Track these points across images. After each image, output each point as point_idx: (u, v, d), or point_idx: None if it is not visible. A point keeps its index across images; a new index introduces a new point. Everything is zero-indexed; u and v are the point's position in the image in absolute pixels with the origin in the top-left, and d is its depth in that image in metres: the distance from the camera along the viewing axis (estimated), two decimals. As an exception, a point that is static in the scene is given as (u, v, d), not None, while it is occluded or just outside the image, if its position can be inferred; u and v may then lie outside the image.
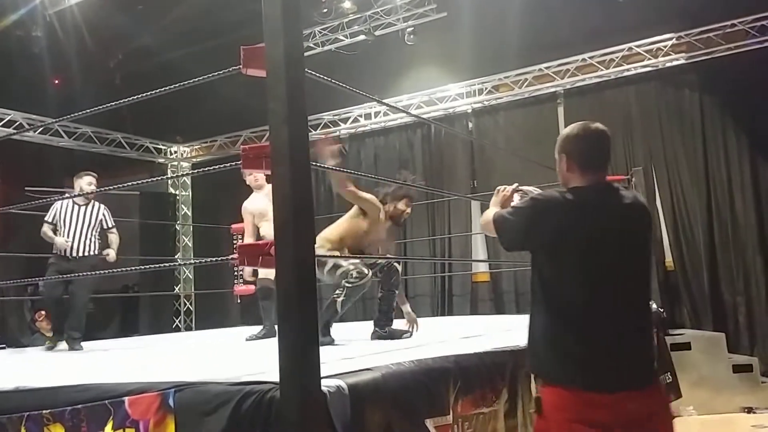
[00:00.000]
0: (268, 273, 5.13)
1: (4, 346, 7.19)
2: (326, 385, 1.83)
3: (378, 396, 2.01)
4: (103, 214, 5.55)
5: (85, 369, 3.18)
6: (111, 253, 5.59)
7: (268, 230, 5.15)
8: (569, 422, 1.88)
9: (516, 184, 2.45)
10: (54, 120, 7.49)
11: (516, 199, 2.38)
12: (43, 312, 7.82)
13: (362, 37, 8.09)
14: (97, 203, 5.58)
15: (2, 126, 8.04)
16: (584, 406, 1.87)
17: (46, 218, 5.44)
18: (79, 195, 5.25)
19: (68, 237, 5.29)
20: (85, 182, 5.41)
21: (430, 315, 7.63)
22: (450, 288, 7.97)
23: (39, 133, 8.44)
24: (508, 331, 3.75)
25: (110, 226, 5.60)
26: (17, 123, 8.20)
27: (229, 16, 7.99)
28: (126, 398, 2.09)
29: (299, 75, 1.91)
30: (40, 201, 4.97)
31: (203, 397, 1.96)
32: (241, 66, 2.25)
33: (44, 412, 2.28)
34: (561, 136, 2.13)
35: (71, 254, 5.32)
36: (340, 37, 8.18)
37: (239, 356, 3.57)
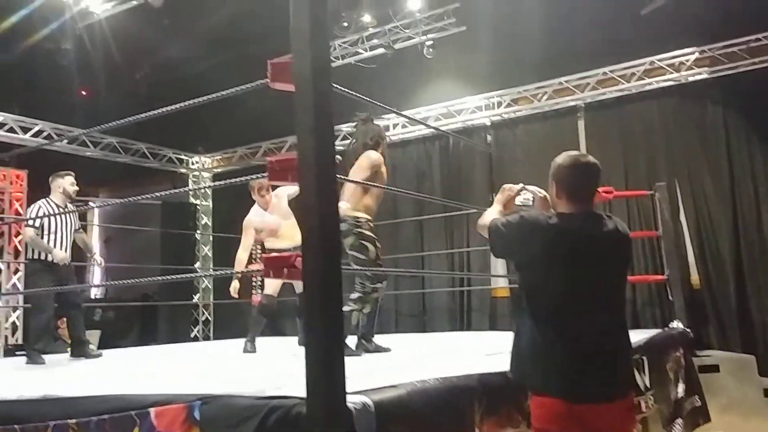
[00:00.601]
0: (271, 289, 5.20)
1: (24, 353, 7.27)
2: (352, 401, 1.82)
3: (403, 414, 2.00)
4: (75, 215, 5.31)
5: (110, 379, 3.20)
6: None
7: (275, 245, 5.23)
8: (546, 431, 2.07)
9: (521, 185, 2.55)
10: (84, 131, 7.59)
11: (519, 200, 2.51)
12: (65, 319, 7.94)
13: (381, 50, 8.13)
14: (71, 205, 5.34)
15: (31, 136, 8.17)
16: (559, 415, 2.04)
17: (29, 222, 5.09)
18: (106, 204, 5.26)
19: (57, 243, 4.98)
20: (68, 182, 5.17)
21: (448, 330, 7.59)
22: (469, 302, 7.91)
23: (66, 142, 8.56)
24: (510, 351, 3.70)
25: (78, 226, 5.34)
26: (45, 133, 8.33)
27: (252, 30, 8.08)
28: (152, 409, 2.10)
29: (326, 88, 1.92)
30: (70, 210, 5.07)
31: (229, 410, 1.96)
32: (268, 80, 2.26)
33: (70, 421, 2.29)
34: (554, 163, 2.28)
35: (62, 261, 5.00)
36: (359, 50, 8.23)
37: (261, 368, 3.58)
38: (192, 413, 2.02)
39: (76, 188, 5.19)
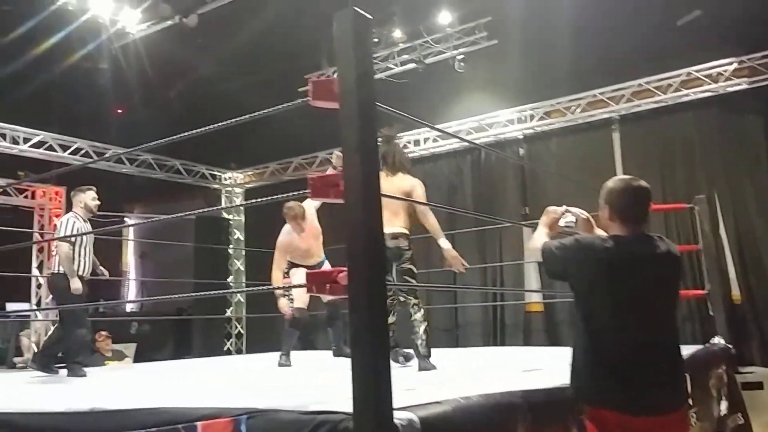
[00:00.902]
0: (301, 302, 5.20)
1: (65, 365, 7.41)
2: (398, 417, 1.82)
3: (449, 430, 1.98)
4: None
5: (155, 392, 3.24)
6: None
7: (303, 262, 5.25)
8: None
9: (564, 207, 2.63)
10: (125, 150, 7.74)
11: (563, 222, 2.60)
12: (103, 332, 8.08)
13: (412, 65, 8.17)
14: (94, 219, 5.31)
15: (69, 153, 8.36)
16: (618, 428, 2.13)
17: (65, 236, 4.98)
18: (142, 222, 5.32)
19: (85, 257, 4.98)
20: (90, 197, 5.15)
21: (481, 345, 7.53)
22: (502, 317, 7.84)
23: (105, 160, 8.74)
24: (568, 366, 3.66)
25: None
26: (83, 151, 8.52)
27: (283, 49, 8.21)
28: (199, 423, 2.12)
29: (371, 104, 1.94)
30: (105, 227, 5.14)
31: (275, 424, 1.97)
32: (309, 98, 2.28)
33: (117, 435, 2.33)
34: (606, 187, 2.38)
35: (84, 275, 5.00)
36: (390, 66, 8.28)
37: (300, 381, 3.59)
38: (238, 427, 2.03)
39: (98, 203, 5.19)
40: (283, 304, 5.21)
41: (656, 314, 2.27)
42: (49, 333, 5.52)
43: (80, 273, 4.94)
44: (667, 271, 2.33)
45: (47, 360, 4.95)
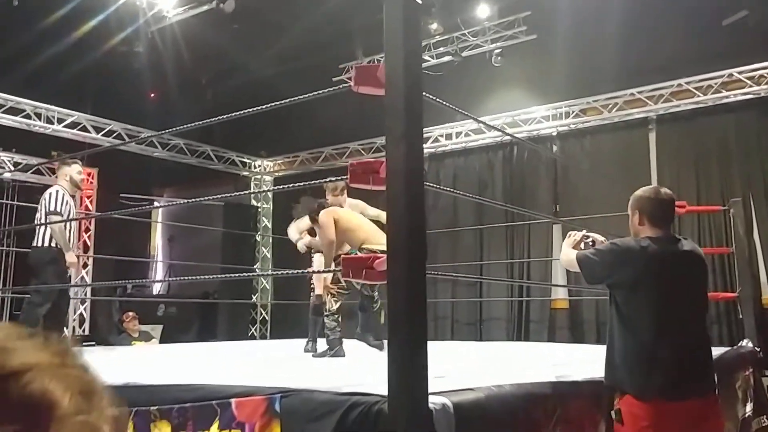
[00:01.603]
0: (320, 289, 5.19)
1: (93, 343, 7.56)
2: (432, 401, 1.83)
3: (481, 416, 2.00)
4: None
5: (189, 369, 3.29)
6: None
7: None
8: (648, 429, 2.34)
9: (584, 231, 2.91)
10: (157, 133, 7.81)
11: (582, 245, 2.83)
12: (130, 313, 8.22)
13: (448, 57, 8.14)
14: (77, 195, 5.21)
15: (103, 135, 8.47)
16: (658, 413, 2.34)
17: (55, 208, 4.80)
18: (170, 204, 5.35)
19: (72, 232, 4.91)
20: (75, 170, 4.99)
21: (506, 339, 7.52)
22: (527, 313, 7.82)
23: (136, 143, 8.85)
24: (593, 363, 3.67)
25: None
26: (116, 133, 8.62)
27: (317, 38, 8.23)
28: (233, 400, 2.15)
29: (417, 92, 1.94)
30: (134, 208, 5.21)
31: (309, 404, 2.00)
32: (352, 84, 2.29)
33: (152, 408, 2.37)
34: (635, 196, 2.67)
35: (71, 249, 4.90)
36: (426, 58, 8.25)
37: (331, 365, 3.62)
38: (273, 405, 2.06)
39: (83, 177, 5.09)
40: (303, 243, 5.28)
41: (691, 307, 2.54)
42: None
43: (59, 247, 4.80)
44: (697, 267, 2.63)
45: None
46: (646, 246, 2.50)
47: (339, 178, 2.76)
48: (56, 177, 5.13)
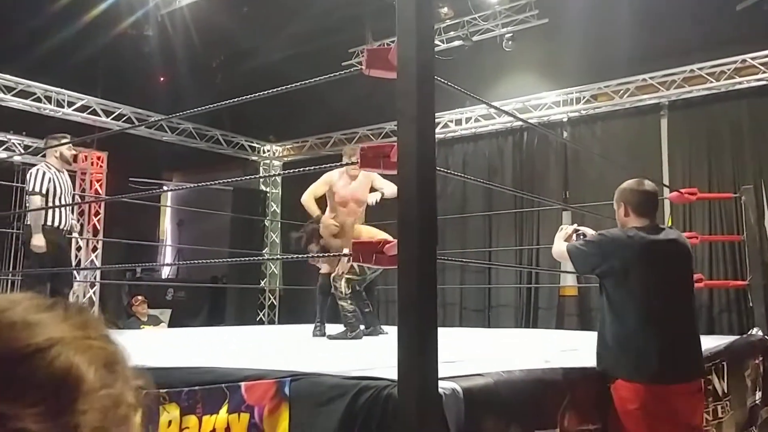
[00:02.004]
0: (328, 268, 5.13)
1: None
2: (442, 387, 1.83)
3: (491, 402, 1.99)
4: (69, 182, 4.97)
5: (198, 353, 3.31)
6: (77, 227, 5.12)
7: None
8: (637, 411, 2.45)
9: (575, 225, 3.04)
10: (165, 117, 7.80)
11: (574, 238, 2.92)
12: (140, 297, 8.27)
13: (459, 42, 8.07)
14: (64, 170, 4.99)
15: (112, 119, 8.48)
16: (646, 396, 2.45)
17: (33, 188, 4.68)
18: (180, 188, 5.23)
19: (60, 210, 4.74)
20: (66, 147, 4.88)
21: (514, 326, 7.51)
22: (536, 300, 7.81)
23: (145, 127, 8.85)
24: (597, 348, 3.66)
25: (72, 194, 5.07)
26: (126, 117, 8.63)
27: (327, 22, 8.18)
28: (242, 383, 2.16)
29: (430, 75, 1.92)
30: (145, 192, 5.19)
31: (319, 388, 2.00)
32: (363, 67, 2.27)
33: (161, 391, 2.37)
34: (619, 189, 2.81)
35: (64, 228, 4.78)
36: (436, 42, 8.19)
37: (339, 349, 3.62)
38: (282, 389, 2.06)
39: (74, 152, 5.02)
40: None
41: (678, 294, 2.67)
42: None
43: (56, 225, 4.71)
44: (683, 255, 2.75)
45: None
46: (632, 235, 2.62)
47: (349, 162, 2.74)
48: (47, 154, 5.02)
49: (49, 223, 4.70)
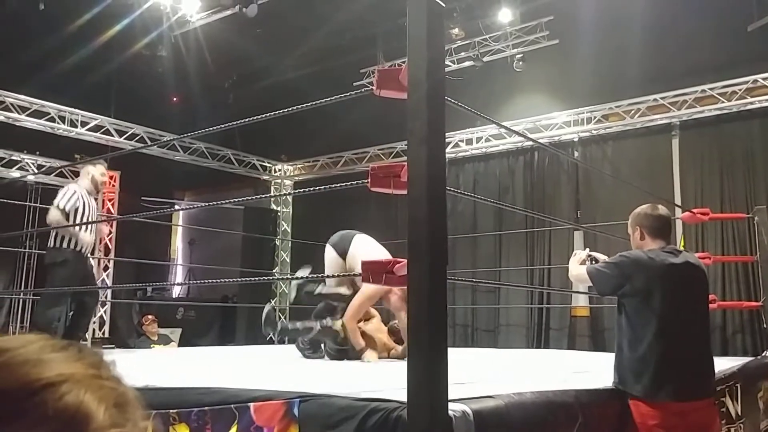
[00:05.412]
0: (336, 288, 5.00)
1: (113, 346, 7.62)
2: (452, 409, 1.81)
3: (502, 425, 1.96)
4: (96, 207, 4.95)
5: (209, 373, 3.30)
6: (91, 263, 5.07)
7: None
8: (657, 427, 2.51)
9: (587, 249, 3.11)
10: (179, 136, 7.87)
11: (588, 263, 2.96)
12: (150, 316, 8.27)
13: (469, 62, 8.11)
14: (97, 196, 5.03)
15: (125, 138, 8.55)
16: (665, 413, 2.52)
17: (59, 203, 4.66)
18: (191, 207, 5.28)
19: (81, 231, 4.67)
20: (99, 171, 4.91)
21: (525, 346, 7.45)
22: (547, 320, 7.74)
23: (158, 146, 8.92)
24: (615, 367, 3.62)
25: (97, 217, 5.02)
26: (139, 136, 8.70)
27: (338, 43, 8.26)
28: (251, 404, 2.14)
29: (440, 96, 1.92)
30: (157, 211, 5.21)
31: (328, 409, 1.98)
32: (373, 88, 2.27)
33: (171, 411, 2.37)
34: (633, 214, 2.89)
35: (86, 252, 4.76)
36: (447, 63, 8.23)
37: (348, 371, 3.60)
38: (291, 410, 2.05)
39: (106, 179, 5.04)
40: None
41: (695, 315, 2.75)
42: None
43: (77, 249, 4.68)
44: (700, 276, 2.81)
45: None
46: (654, 257, 2.69)
47: (359, 182, 2.73)
48: (80, 176, 5.09)
49: (72, 246, 4.69)
